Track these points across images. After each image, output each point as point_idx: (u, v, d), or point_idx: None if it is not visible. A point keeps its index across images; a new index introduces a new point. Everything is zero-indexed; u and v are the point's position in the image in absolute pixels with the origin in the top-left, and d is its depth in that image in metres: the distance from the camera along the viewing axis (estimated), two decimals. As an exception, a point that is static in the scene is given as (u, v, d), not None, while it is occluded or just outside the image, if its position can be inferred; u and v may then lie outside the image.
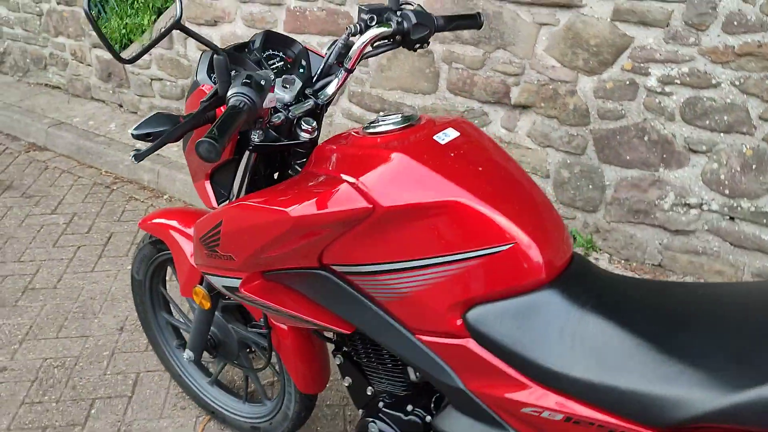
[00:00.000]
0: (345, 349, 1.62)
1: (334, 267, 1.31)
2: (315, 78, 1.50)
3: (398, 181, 1.18)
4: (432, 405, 1.46)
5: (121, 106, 4.69)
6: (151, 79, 4.36)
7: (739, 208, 2.52)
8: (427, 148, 1.22)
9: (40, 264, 3.15)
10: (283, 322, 1.57)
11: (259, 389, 2.04)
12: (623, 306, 1.13)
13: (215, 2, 3.76)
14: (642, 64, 2.57)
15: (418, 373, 1.46)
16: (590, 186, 2.85)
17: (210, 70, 1.43)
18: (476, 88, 3.01)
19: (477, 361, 1.21)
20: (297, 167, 1.47)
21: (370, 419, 1.51)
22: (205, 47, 1.26)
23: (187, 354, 1.93)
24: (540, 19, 2.75)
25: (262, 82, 1.16)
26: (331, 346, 1.67)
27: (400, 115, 1.31)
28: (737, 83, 2.40)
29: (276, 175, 1.57)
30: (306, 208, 1.21)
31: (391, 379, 1.50)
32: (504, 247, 1.15)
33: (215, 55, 1.20)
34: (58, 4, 4.64)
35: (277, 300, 1.42)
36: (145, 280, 2.11)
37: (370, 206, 1.18)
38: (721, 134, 2.48)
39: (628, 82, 2.62)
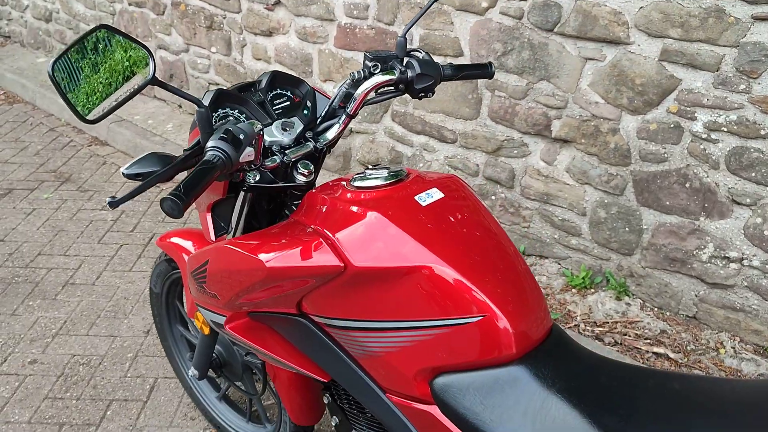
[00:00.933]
0: (331, 390, 1.62)
1: (312, 316, 1.31)
2: (319, 120, 1.51)
3: (371, 242, 1.17)
4: None
5: (180, 106, 4.84)
6: (209, 84, 4.48)
7: (781, 267, 2.38)
8: (405, 209, 1.21)
9: (84, 259, 3.29)
10: (267, 361, 1.58)
11: (261, 411, 2.07)
12: (591, 393, 1.08)
13: (271, 14, 3.82)
14: (688, 108, 2.46)
15: (395, 427, 1.45)
16: (627, 228, 2.75)
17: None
18: (517, 117, 2.95)
19: (440, 429, 1.18)
20: (293, 207, 1.48)
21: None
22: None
23: (192, 372, 1.97)
24: (586, 54, 2.67)
25: (241, 137, 1.17)
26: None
27: (388, 170, 1.30)
28: (788, 136, 2.26)
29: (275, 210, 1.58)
30: (280, 259, 1.22)
31: (371, 428, 1.49)
32: (474, 319, 1.12)
33: (198, 108, 1.21)
34: (130, 5, 4.83)
35: (259, 341, 1.43)
36: (161, 293, 2.17)
37: (342, 265, 1.17)
38: (765, 186, 2.35)
39: (672, 125, 2.51)
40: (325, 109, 1.51)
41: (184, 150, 1.27)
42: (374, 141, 3.61)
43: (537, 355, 1.14)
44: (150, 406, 2.39)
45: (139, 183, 1.21)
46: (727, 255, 2.50)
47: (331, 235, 1.20)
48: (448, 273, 1.14)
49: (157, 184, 1.24)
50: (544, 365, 1.12)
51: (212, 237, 1.57)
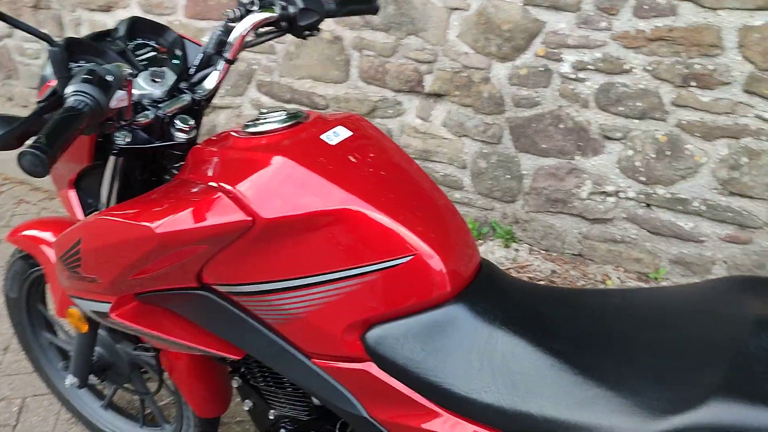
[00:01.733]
0: (242, 370, 1.46)
1: (215, 287, 1.15)
2: (193, 70, 1.33)
3: (281, 189, 1.03)
4: (337, 429, 1.32)
5: (10, 99, 4.32)
6: (43, 71, 4.02)
7: (654, 195, 2.49)
8: (314, 150, 1.08)
9: None
10: (166, 348, 1.39)
11: (157, 413, 1.86)
12: (534, 321, 1.02)
13: (108, -14, 3.47)
14: (555, 50, 2.50)
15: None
16: (507, 176, 2.77)
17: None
18: (389, 76, 2.87)
19: (379, 387, 1.07)
20: (174, 171, 1.30)
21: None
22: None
23: (70, 380, 1.72)
24: (450, 3, 2.64)
25: (109, 78, 0.98)
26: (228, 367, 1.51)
27: (285, 112, 1.16)
28: (649, 68, 2.36)
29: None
30: (173, 222, 1.04)
31: (293, 404, 1.36)
32: (403, 259, 1.02)
33: (50, 47, 1.00)
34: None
35: (154, 325, 1.25)
36: (20, 298, 1.88)
37: (249, 219, 1.02)
38: (636, 120, 2.44)
39: (542, 69, 2.55)
40: (199, 58, 1.33)
41: (38, 102, 1.05)
42: (240, 115, 3.40)
43: (472, 291, 1.06)
44: (21, 430, 2.09)
45: None
46: (604, 190, 2.58)
47: (231, 188, 1.04)
48: (370, 213, 1.02)
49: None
50: (482, 300, 1.05)
51: (80, 216, 1.35)
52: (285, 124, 1.13)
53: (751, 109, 2.25)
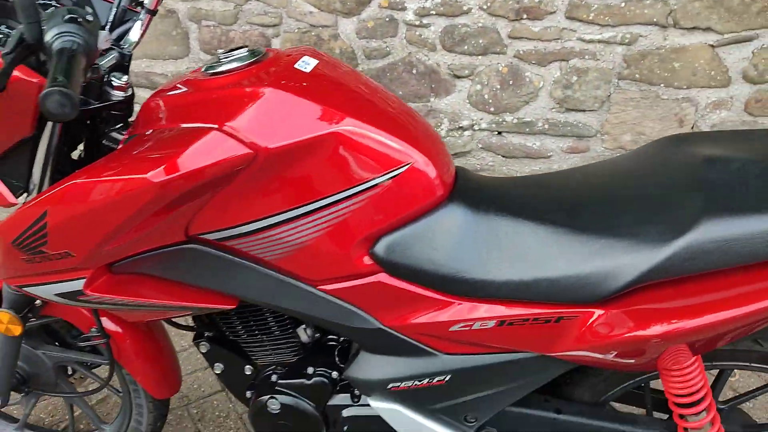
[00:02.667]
0: (208, 334, 1.43)
1: (205, 236, 1.12)
2: (108, 27, 1.25)
3: (277, 119, 1.04)
4: (337, 359, 1.35)
5: None
6: None
7: (504, 123, 2.76)
8: (294, 78, 1.09)
9: None
10: (141, 318, 1.32)
11: (91, 415, 1.72)
12: (524, 204, 1.14)
13: None
14: (398, 0, 2.64)
15: (310, 332, 1.35)
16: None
17: None
18: (234, 44, 2.83)
19: (393, 293, 1.14)
20: (115, 134, 1.22)
21: (267, 396, 1.35)
22: None
23: None
24: (289, -36, 2.67)
25: (90, 18, 0.92)
26: (183, 340, 1.47)
27: (246, 49, 1.15)
28: (485, 7, 2.59)
29: (81, 155, 1.29)
30: (170, 168, 1.00)
31: (280, 347, 1.36)
32: (401, 170, 1.08)
33: None
34: None
35: (135, 293, 1.18)
36: None
37: (251, 152, 1.02)
38: (479, 57, 2.68)
39: (387, 20, 2.68)
40: (112, 13, 1.26)
41: (4, 54, 0.95)
42: (68, 109, 3.13)
43: (460, 191, 1.15)
44: None
45: None
46: (460, 125, 2.81)
47: (224, 125, 1.03)
48: (364, 130, 1.07)
49: None
50: (472, 197, 1.14)
51: (12, 200, 1.22)
52: (251, 60, 1.13)
53: (574, 33, 2.58)
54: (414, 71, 2.74)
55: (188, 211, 1.08)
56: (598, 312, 1.05)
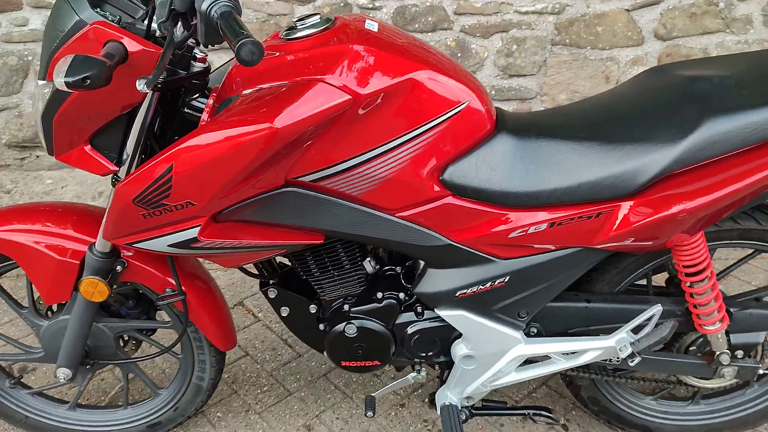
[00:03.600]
0: (273, 281, 1.60)
1: (301, 179, 1.31)
2: None
3: (367, 70, 1.24)
4: (403, 282, 1.57)
5: None
6: None
7: (455, 92, 3.04)
8: (371, 37, 1.30)
9: None
10: (238, 261, 1.47)
11: (147, 381, 1.84)
12: (555, 128, 1.41)
13: None
14: (350, -15, 2.85)
15: (373, 263, 1.55)
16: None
17: (93, 4, 1.23)
18: (194, 38, 2.93)
19: (459, 212, 1.37)
20: (195, 103, 1.37)
21: (344, 324, 1.55)
22: None
23: (63, 373, 1.65)
24: (244, -42, 2.81)
25: None
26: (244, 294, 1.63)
27: (317, 16, 1.35)
28: (431, -13, 2.85)
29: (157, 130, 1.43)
30: (288, 115, 1.19)
31: (348, 280, 1.55)
32: (461, 107, 1.32)
33: None
34: None
35: (238, 237, 1.35)
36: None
37: (351, 98, 1.22)
38: (429, 33, 2.94)
39: (342, 5, 2.88)
40: None
41: (161, 23, 1.10)
42: (22, 114, 3.10)
43: (503, 123, 1.40)
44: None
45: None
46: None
47: (323, 77, 1.22)
48: (433, 75, 1.29)
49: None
50: (514, 126, 1.40)
51: (112, 167, 1.35)
52: (326, 26, 1.32)
53: (511, 7, 2.89)
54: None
55: (291, 157, 1.26)
56: (629, 203, 1.34)
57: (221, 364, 1.80)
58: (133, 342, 1.81)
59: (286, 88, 1.23)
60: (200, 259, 1.73)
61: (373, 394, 1.72)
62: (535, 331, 1.56)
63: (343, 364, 1.61)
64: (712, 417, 1.80)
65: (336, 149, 1.28)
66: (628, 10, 2.93)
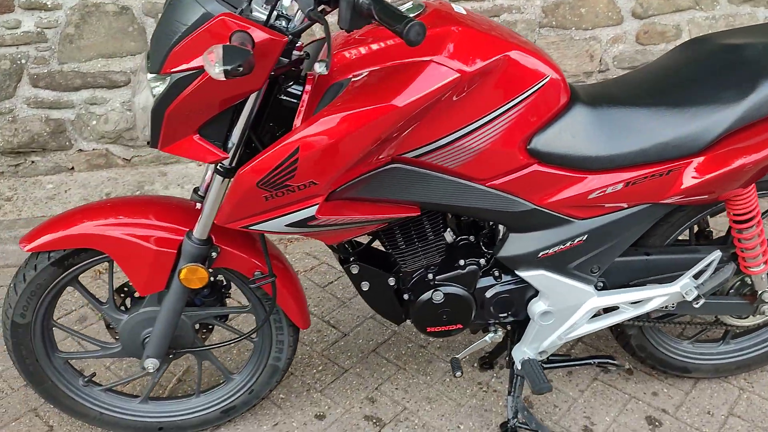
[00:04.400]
0: (351, 259, 1.69)
1: (406, 155, 1.41)
2: None
3: (467, 48, 1.35)
4: (483, 248, 1.68)
5: None
6: None
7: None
8: (464, 19, 1.40)
9: None
10: (340, 238, 1.54)
11: (221, 367, 1.89)
12: (624, 95, 1.55)
13: None
14: None
15: (452, 234, 1.66)
16: None
17: None
18: (195, 34, 2.94)
19: (544, 178, 1.50)
20: (292, 90, 1.44)
21: (430, 292, 1.65)
22: None
23: (152, 363, 1.69)
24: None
25: None
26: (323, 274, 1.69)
27: (411, 2, 1.44)
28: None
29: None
30: (407, 95, 1.29)
31: (430, 250, 1.65)
32: (545, 80, 1.44)
33: None
34: None
35: (347, 213, 1.43)
36: (33, 321, 1.68)
37: (459, 75, 1.32)
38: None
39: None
40: None
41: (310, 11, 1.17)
42: (16, 119, 3.04)
43: (575, 94, 1.52)
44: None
45: None
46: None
47: (431, 57, 1.32)
48: (522, 53, 1.41)
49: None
50: (587, 97, 1.53)
51: (221, 154, 1.40)
52: (420, 11, 1.42)
53: (502, -8, 3.03)
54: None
55: (401, 135, 1.35)
56: (698, 160, 1.49)
57: (296, 344, 1.87)
58: (203, 330, 1.86)
59: (399, 70, 1.32)
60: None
61: (456, 356, 1.83)
62: (602, 285, 1.71)
63: (428, 329, 1.71)
64: (741, 354, 2.00)
65: (438, 126, 1.38)
66: (608, -8, 3.13)
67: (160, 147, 1.40)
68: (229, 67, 1.11)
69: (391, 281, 1.72)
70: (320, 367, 2.21)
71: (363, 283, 1.71)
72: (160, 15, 2.82)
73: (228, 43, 1.16)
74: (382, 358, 2.24)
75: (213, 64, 1.12)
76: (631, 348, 1.95)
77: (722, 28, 3.29)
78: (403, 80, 1.30)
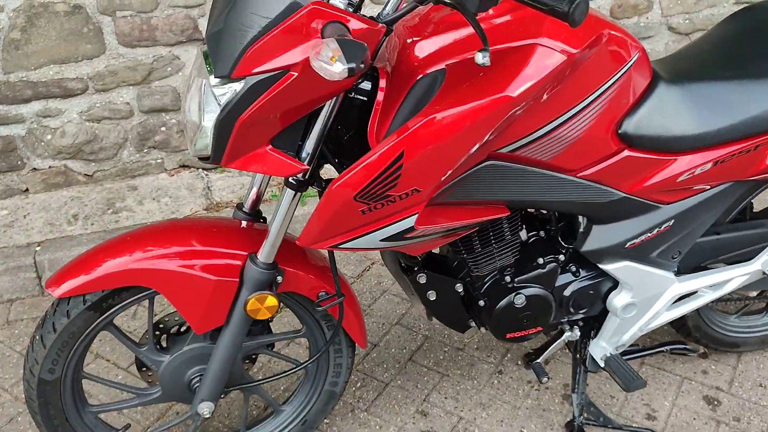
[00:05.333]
0: (416, 269, 1.55)
1: (501, 150, 1.28)
2: None
3: (567, 29, 1.21)
4: (562, 243, 1.57)
5: None
6: None
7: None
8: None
9: None
10: (429, 247, 1.39)
11: (270, 400, 1.70)
12: (702, 70, 1.48)
13: None
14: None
15: (525, 232, 1.55)
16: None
17: None
18: (159, 32, 2.68)
19: (634, 164, 1.40)
20: (362, 87, 1.27)
21: (512, 295, 1.53)
22: None
23: (207, 407, 1.49)
24: (207, -61, 2.60)
25: None
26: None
27: None
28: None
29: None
30: (520, 82, 1.16)
31: (505, 251, 1.53)
32: (635, 58, 1.34)
33: None
34: None
35: (439, 221, 1.29)
36: (63, 376, 1.44)
37: (567, 58, 1.20)
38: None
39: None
40: None
41: None
42: (-41, 140, 2.67)
43: (655, 71, 1.43)
44: None
45: None
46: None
47: (536, 40, 1.19)
48: (612, 30, 1.31)
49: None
50: (665, 74, 1.44)
51: (297, 165, 1.22)
52: None
53: None
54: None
55: (501, 125, 1.22)
56: (785, 133, 1.44)
57: (353, 365, 1.71)
58: (246, 360, 1.66)
59: (502, 56, 1.18)
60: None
61: (537, 361, 1.72)
62: (676, 269, 1.64)
63: (508, 336, 1.59)
64: (784, 323, 2.01)
65: (536, 115, 1.25)
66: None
67: (224, 162, 1.20)
68: (353, 65, 0.94)
69: (459, 288, 1.59)
70: (358, 384, 2.05)
71: (429, 292, 1.57)
72: (118, 13, 2.55)
73: (343, 37, 0.98)
74: (421, 366, 2.11)
75: (329, 61, 0.95)
76: (687, 329, 1.91)
77: (690, -2, 3.33)
78: (510, 67, 1.16)
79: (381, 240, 1.24)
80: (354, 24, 1.07)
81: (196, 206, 2.73)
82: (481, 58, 1.00)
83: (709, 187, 1.49)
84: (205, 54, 1.19)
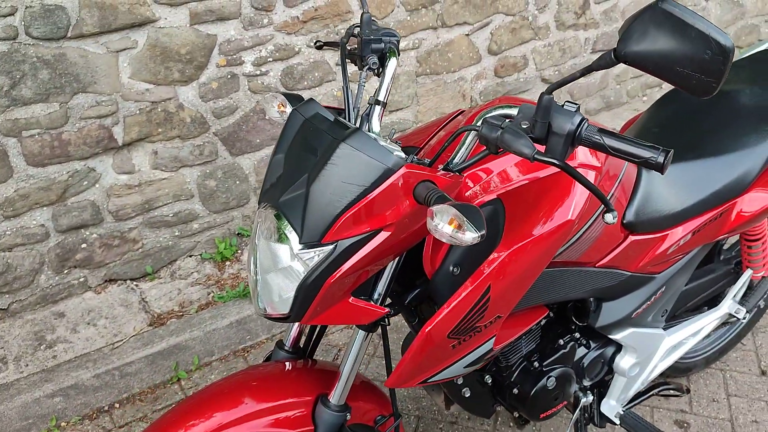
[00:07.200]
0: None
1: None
2: None
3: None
4: (573, 324, 1.70)
5: None
6: None
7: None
8: None
9: None
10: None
11: None
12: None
13: None
14: (234, 56, 2.73)
15: (545, 318, 1.67)
16: (237, 182, 2.91)
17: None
18: (72, 146, 2.51)
19: (638, 245, 1.58)
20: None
21: (544, 379, 1.63)
22: None
23: None
24: (115, 47, 2.49)
25: None
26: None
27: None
28: (311, 44, 2.88)
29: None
30: (573, 205, 1.27)
31: (531, 340, 1.64)
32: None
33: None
34: None
35: (508, 336, 1.38)
36: None
37: (595, 172, 1.34)
38: (317, 88, 2.97)
39: (229, 77, 2.75)
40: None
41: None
42: None
43: None
44: None
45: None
46: (314, 152, 3.05)
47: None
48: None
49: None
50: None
51: (380, 310, 1.24)
52: None
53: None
54: (266, 117, 2.87)
55: None
56: (741, 199, 1.70)
57: None
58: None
59: (554, 183, 1.29)
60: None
61: None
62: (664, 325, 1.85)
63: (542, 416, 1.69)
64: (720, 342, 2.32)
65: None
66: (467, 35, 3.34)
67: (305, 320, 1.20)
68: (484, 231, 1.00)
69: (488, 380, 1.67)
70: None
71: (464, 390, 1.64)
72: (24, 133, 2.36)
73: (459, 202, 1.03)
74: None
75: (458, 230, 1.00)
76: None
77: (557, 52, 3.71)
78: (560, 192, 1.28)
79: (465, 367, 1.30)
80: (440, 179, 1.13)
81: (138, 323, 2.57)
82: (611, 219, 1.08)
83: (690, 249, 1.71)
84: (276, 216, 1.18)
